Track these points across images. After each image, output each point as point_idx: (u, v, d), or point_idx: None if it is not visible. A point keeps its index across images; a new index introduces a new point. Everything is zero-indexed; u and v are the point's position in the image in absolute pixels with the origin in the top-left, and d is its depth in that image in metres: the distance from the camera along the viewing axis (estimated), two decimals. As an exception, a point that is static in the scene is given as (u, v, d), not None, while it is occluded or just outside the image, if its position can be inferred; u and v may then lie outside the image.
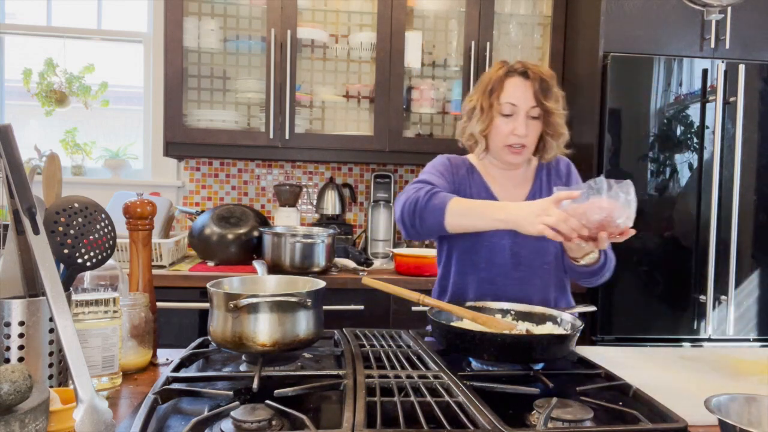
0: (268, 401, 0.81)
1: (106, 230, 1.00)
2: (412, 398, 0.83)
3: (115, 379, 1.01)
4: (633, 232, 1.15)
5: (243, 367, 1.06)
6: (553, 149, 1.51)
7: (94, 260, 0.97)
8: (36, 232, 0.83)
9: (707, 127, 2.30)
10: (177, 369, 1.00)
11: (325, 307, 1.10)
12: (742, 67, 2.26)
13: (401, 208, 1.42)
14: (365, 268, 2.41)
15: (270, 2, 2.52)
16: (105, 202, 2.02)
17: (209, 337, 1.06)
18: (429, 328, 1.23)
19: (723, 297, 2.30)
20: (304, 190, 2.94)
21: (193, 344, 1.15)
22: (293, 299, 0.99)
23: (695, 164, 2.30)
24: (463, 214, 1.33)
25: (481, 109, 1.48)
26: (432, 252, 2.25)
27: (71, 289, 0.96)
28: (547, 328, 1.17)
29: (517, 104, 1.44)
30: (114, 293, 1.02)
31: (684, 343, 2.31)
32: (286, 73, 2.53)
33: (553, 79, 1.46)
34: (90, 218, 0.98)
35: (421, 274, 2.30)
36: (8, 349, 0.85)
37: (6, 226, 0.90)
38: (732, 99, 2.27)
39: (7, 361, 0.85)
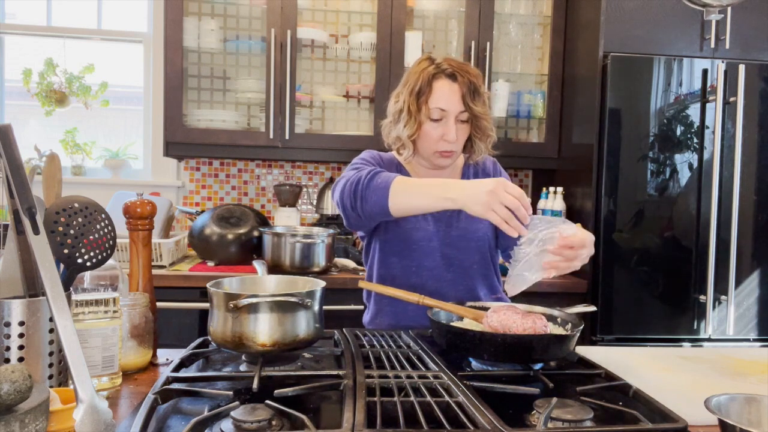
0: (268, 401, 0.81)
1: (106, 230, 1.00)
2: (412, 398, 0.83)
3: (115, 379, 1.01)
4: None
5: (243, 367, 1.06)
6: (481, 151, 1.51)
7: (94, 260, 0.97)
8: (36, 232, 0.83)
9: (707, 127, 2.30)
10: (177, 369, 1.00)
11: (325, 307, 1.10)
12: (742, 67, 2.26)
13: (341, 190, 1.33)
14: (365, 269, 2.40)
15: (270, 2, 2.52)
16: (105, 202, 2.02)
17: (209, 337, 1.06)
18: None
19: (723, 297, 2.30)
20: (304, 190, 2.94)
21: (193, 344, 1.15)
22: (293, 299, 0.99)
23: (695, 164, 2.30)
24: (409, 194, 1.24)
25: (409, 113, 1.43)
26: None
27: (71, 289, 0.96)
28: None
29: (447, 109, 1.40)
30: (114, 293, 1.02)
31: (684, 343, 2.31)
32: (286, 73, 2.53)
33: (480, 78, 1.43)
34: (90, 218, 0.98)
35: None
36: (8, 349, 0.85)
37: (6, 226, 0.90)
38: (732, 99, 2.27)
39: (7, 361, 0.85)
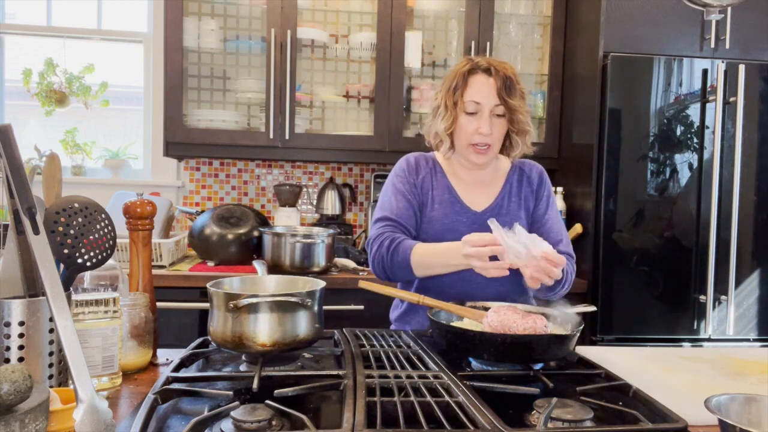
0: (268, 401, 0.81)
1: (106, 230, 1.00)
2: (412, 398, 0.83)
3: (115, 379, 1.01)
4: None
5: (243, 367, 1.06)
6: (519, 146, 1.52)
7: (94, 260, 0.97)
8: (36, 232, 0.83)
9: (707, 127, 2.30)
10: (177, 369, 1.00)
11: (325, 307, 1.10)
12: (742, 67, 2.26)
13: (372, 265, 1.49)
14: (365, 268, 2.41)
15: (270, 2, 2.52)
16: (105, 202, 2.02)
17: (209, 337, 1.06)
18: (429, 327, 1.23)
19: (723, 297, 2.30)
20: (304, 190, 2.94)
21: (193, 344, 1.15)
22: (293, 299, 0.99)
23: (695, 164, 2.30)
24: (427, 268, 1.40)
25: (446, 107, 1.48)
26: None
27: (71, 289, 0.96)
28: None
29: (481, 102, 1.43)
30: (114, 293, 1.02)
31: (684, 343, 2.31)
32: (286, 73, 2.53)
33: (517, 76, 1.46)
34: (90, 218, 0.98)
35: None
36: (8, 349, 0.85)
37: (6, 226, 0.90)
38: (732, 99, 2.27)
39: (7, 361, 0.85)
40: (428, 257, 1.39)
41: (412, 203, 1.51)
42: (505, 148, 1.54)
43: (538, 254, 1.18)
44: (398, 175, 1.55)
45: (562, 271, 1.43)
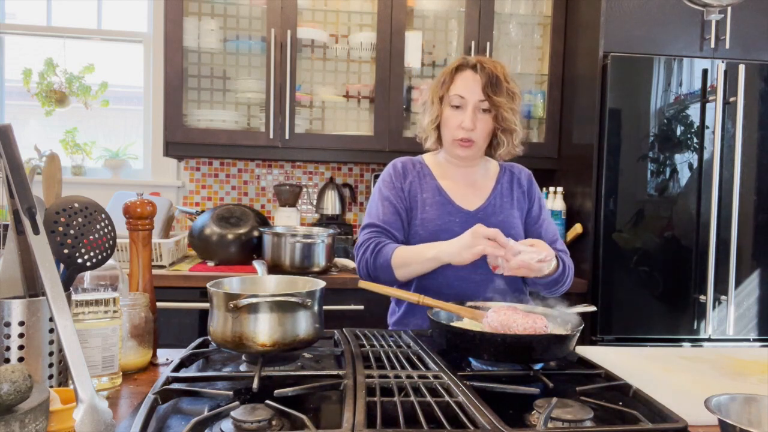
0: (268, 401, 0.81)
1: (106, 230, 1.00)
2: (412, 398, 0.83)
3: (115, 379, 1.01)
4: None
5: (243, 367, 1.06)
6: (504, 145, 1.52)
7: (94, 260, 0.97)
8: (36, 232, 0.83)
9: (707, 127, 2.30)
10: (177, 369, 1.00)
11: (325, 307, 1.10)
12: (742, 67, 2.26)
13: (358, 269, 1.51)
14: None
15: (270, 2, 2.52)
16: (105, 202, 2.02)
17: (209, 337, 1.06)
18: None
19: (723, 297, 2.30)
20: (304, 190, 2.94)
21: (193, 344, 1.15)
22: (293, 299, 0.99)
23: (695, 164, 2.30)
24: (405, 266, 1.41)
25: (432, 102, 1.51)
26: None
27: (71, 289, 0.96)
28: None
29: (465, 96, 1.45)
30: (114, 293, 1.02)
31: (684, 343, 2.31)
32: (286, 73, 2.53)
33: (507, 75, 1.47)
34: (90, 218, 0.98)
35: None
36: (8, 349, 0.85)
37: (6, 226, 0.90)
38: (732, 99, 2.27)
39: (7, 361, 0.85)
40: (406, 257, 1.41)
41: (398, 208, 1.52)
42: (492, 146, 1.55)
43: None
44: (384, 180, 1.57)
45: (564, 266, 1.45)
